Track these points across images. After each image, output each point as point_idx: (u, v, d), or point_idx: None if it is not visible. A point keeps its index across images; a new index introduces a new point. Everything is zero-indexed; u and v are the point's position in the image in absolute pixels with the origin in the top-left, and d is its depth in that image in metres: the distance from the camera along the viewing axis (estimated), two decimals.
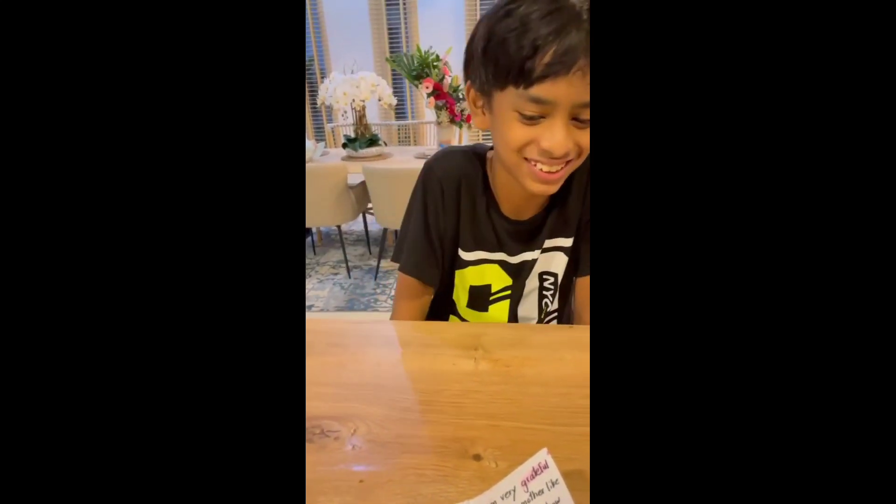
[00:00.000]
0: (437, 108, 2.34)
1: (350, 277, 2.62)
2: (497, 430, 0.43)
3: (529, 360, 0.53)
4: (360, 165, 2.26)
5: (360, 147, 2.49)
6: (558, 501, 0.35)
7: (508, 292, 0.73)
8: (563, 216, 0.69)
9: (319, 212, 2.34)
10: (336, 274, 2.68)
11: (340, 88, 2.31)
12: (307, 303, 2.34)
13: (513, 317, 0.75)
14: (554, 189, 0.57)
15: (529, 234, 0.70)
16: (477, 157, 0.68)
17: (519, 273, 0.72)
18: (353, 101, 2.34)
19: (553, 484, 0.36)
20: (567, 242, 0.70)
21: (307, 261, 2.89)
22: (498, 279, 0.73)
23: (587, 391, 0.46)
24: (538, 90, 0.49)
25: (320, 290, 2.51)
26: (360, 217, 2.86)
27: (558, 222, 0.69)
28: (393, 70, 2.96)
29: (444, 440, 0.42)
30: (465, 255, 0.71)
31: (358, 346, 0.58)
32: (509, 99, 0.52)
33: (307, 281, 2.60)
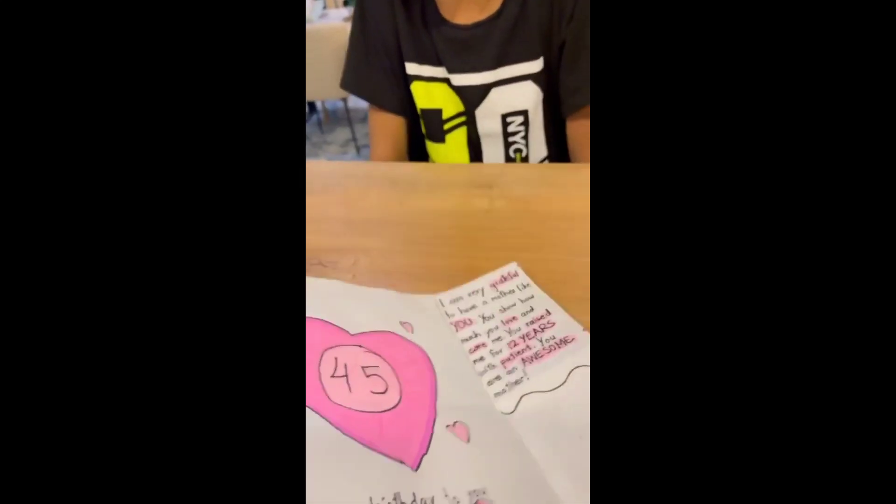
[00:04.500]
0: None
1: (359, 156, 2.52)
2: (515, 261, 0.38)
3: (553, 198, 0.47)
4: None
5: None
6: (532, 297, 0.35)
7: (463, 119, 0.62)
8: (522, 33, 0.54)
9: (319, 82, 2.16)
10: (345, 153, 2.58)
11: None
12: None
13: (474, 149, 0.64)
14: None
15: (472, 47, 0.56)
16: None
17: (469, 100, 0.60)
18: None
19: (524, 286, 0.36)
20: (534, 67, 0.56)
21: (314, 140, 2.77)
22: (448, 102, 0.61)
23: None
24: None
25: None
26: None
27: (516, 41, 0.55)
28: None
29: (454, 270, 0.37)
30: (409, 68, 0.61)
31: (359, 186, 0.52)
32: None
33: (315, 162, 2.51)
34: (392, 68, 0.62)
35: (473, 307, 0.34)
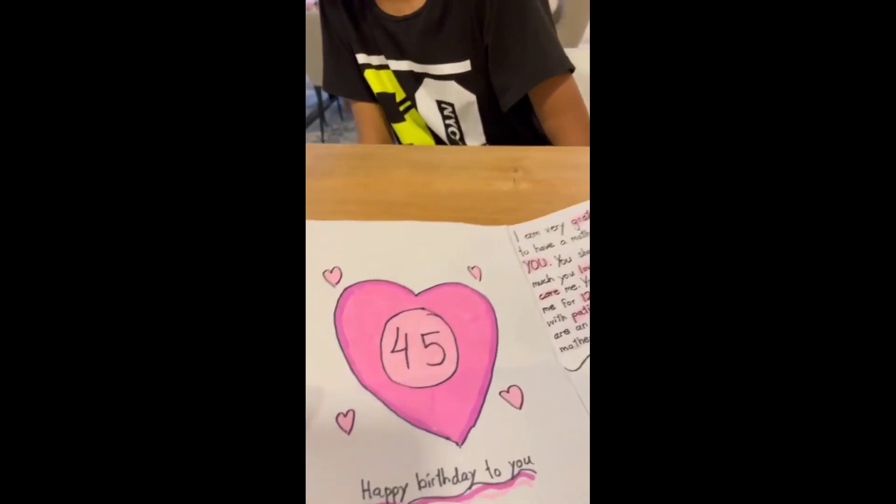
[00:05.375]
0: None
1: None
2: None
3: (580, 181, 0.46)
4: None
5: None
6: None
7: (409, 103, 0.66)
8: (444, 35, 0.57)
9: None
10: None
11: None
12: None
13: (426, 128, 0.68)
14: None
15: (399, 37, 0.59)
16: None
17: (407, 85, 0.64)
18: None
19: None
20: (458, 68, 0.59)
21: (335, 126, 2.78)
22: (397, 87, 0.65)
23: None
24: None
25: None
26: None
27: (438, 42, 0.58)
28: None
29: None
30: (359, 58, 0.65)
31: (382, 168, 0.52)
32: None
33: (339, 145, 2.52)
34: (354, 60, 0.66)
35: (550, 245, 0.33)
